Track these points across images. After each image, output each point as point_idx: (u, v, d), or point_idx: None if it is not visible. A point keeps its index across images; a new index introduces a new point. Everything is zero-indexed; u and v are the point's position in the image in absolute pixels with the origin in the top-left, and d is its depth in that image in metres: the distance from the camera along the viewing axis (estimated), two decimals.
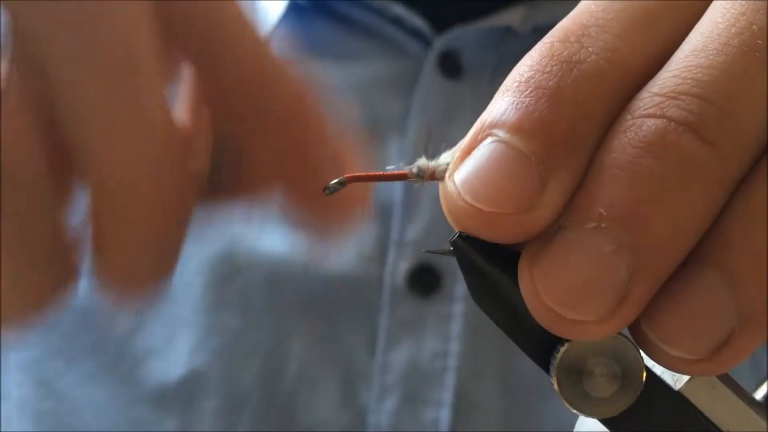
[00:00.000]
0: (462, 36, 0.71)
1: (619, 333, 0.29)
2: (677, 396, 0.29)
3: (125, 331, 0.67)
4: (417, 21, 0.71)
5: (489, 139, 0.27)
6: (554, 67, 0.27)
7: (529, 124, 0.26)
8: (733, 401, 0.29)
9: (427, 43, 0.72)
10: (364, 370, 0.66)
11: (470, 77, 0.71)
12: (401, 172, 0.31)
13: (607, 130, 0.27)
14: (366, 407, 0.65)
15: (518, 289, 0.29)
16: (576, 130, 0.26)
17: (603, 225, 0.26)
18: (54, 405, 0.67)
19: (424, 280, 0.66)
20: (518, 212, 0.26)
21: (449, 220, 0.28)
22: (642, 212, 0.26)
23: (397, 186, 0.67)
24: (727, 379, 0.29)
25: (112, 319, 0.66)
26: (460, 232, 0.30)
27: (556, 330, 0.27)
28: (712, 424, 0.29)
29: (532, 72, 0.27)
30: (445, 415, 0.65)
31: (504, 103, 0.27)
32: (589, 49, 0.27)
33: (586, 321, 0.26)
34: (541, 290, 0.27)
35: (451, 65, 0.71)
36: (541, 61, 0.27)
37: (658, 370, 0.29)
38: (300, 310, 0.67)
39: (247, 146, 0.32)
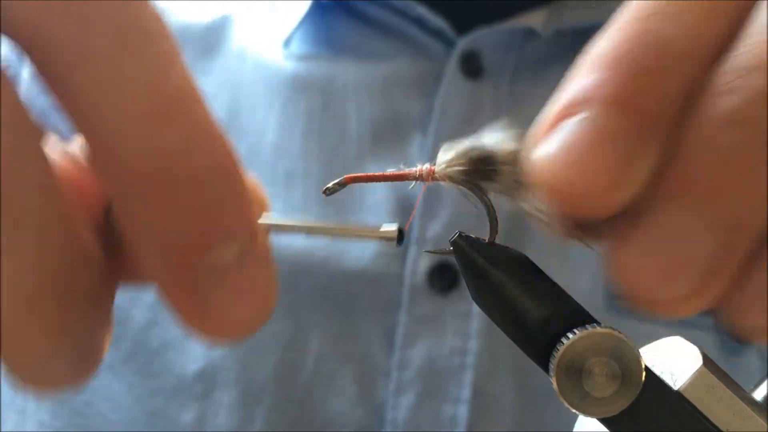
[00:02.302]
0: (483, 37, 0.71)
1: (619, 332, 0.29)
2: (677, 396, 0.29)
3: (142, 323, 0.67)
4: (439, 21, 0.71)
5: (578, 116, 0.26)
6: (640, 45, 0.26)
7: (618, 101, 0.26)
8: (733, 401, 0.29)
9: (448, 43, 0.72)
10: (381, 366, 0.66)
11: (491, 78, 0.71)
12: (402, 172, 0.31)
13: (689, 107, 0.27)
14: (382, 403, 0.66)
15: (518, 288, 0.29)
16: (662, 106, 0.26)
17: (691, 201, 0.26)
18: (71, 395, 0.68)
19: (444, 278, 0.66)
20: (604, 189, 0.26)
21: (540, 195, 0.28)
22: (727, 187, 0.25)
23: (418, 184, 0.66)
24: (727, 379, 0.29)
25: (129, 311, 0.67)
26: (460, 232, 0.31)
27: (644, 308, 0.27)
28: (712, 424, 0.28)
29: (619, 49, 0.27)
30: (462, 412, 0.65)
31: (592, 78, 0.26)
32: (672, 26, 0.27)
33: (674, 298, 0.26)
34: (630, 270, 0.27)
35: (472, 66, 0.71)
36: (626, 38, 0.27)
37: (657, 370, 0.29)
38: (318, 305, 0.67)
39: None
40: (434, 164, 0.30)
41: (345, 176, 0.30)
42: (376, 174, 0.31)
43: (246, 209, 0.25)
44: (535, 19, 0.70)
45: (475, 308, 0.66)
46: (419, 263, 0.67)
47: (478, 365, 0.66)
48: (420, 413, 0.66)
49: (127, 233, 0.24)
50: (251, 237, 0.25)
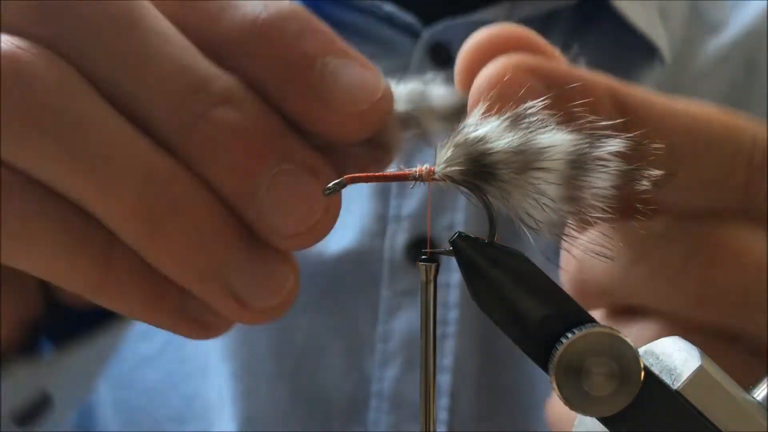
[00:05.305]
0: (450, 29, 0.72)
1: (618, 332, 0.29)
2: (676, 395, 0.29)
3: None
4: (407, 17, 0.72)
5: None
6: None
7: None
8: (732, 401, 0.29)
9: (416, 37, 0.73)
10: (367, 340, 0.68)
11: None
12: (401, 173, 0.31)
13: None
14: (370, 375, 0.67)
15: (517, 288, 0.30)
16: None
17: None
18: (108, 393, 0.71)
19: (421, 252, 0.67)
20: None
21: None
22: None
23: (393, 167, 0.69)
24: (726, 379, 0.29)
25: None
26: (460, 232, 0.31)
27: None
28: (711, 423, 0.29)
29: None
30: (446, 380, 0.67)
31: None
32: None
33: None
34: None
35: (440, 56, 0.72)
36: None
37: (656, 369, 0.29)
38: (306, 286, 0.69)
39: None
40: (434, 164, 0.30)
41: (345, 177, 0.30)
42: (376, 174, 0.31)
43: (333, 43, 0.36)
44: (497, 13, 0.72)
45: (454, 279, 0.67)
46: (397, 239, 0.69)
47: (458, 334, 0.67)
48: (404, 383, 0.67)
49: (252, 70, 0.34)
50: (342, 55, 0.35)
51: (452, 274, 0.68)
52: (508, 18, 0.72)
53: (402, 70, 0.72)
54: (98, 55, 0.32)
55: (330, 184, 0.30)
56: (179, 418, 0.70)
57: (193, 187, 0.33)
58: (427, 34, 0.72)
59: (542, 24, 0.73)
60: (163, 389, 0.71)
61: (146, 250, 0.33)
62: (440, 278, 0.69)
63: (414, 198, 0.69)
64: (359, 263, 0.69)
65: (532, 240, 0.30)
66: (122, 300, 0.35)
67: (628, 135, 0.29)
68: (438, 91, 0.39)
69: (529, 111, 0.30)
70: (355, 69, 0.35)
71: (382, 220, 0.69)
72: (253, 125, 0.33)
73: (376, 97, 0.34)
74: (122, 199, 0.32)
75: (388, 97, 0.36)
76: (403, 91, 0.39)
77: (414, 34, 0.73)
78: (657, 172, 0.29)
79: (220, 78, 0.33)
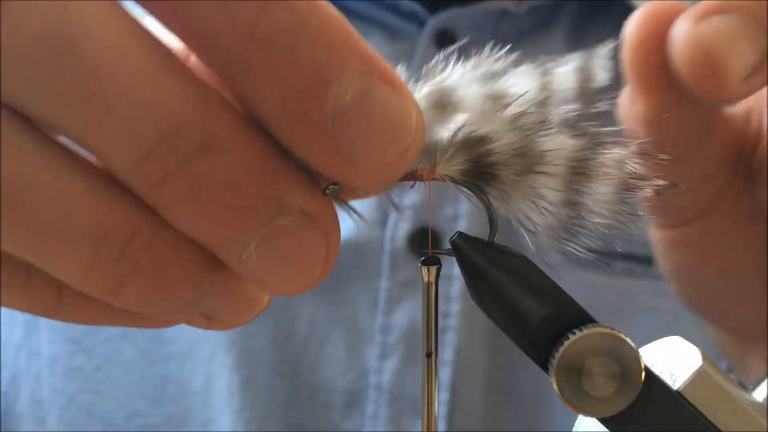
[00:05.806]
0: (456, 17, 0.72)
1: (619, 332, 0.29)
2: (676, 396, 0.29)
3: None
4: (411, 4, 0.72)
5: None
6: None
7: None
8: (732, 401, 0.29)
9: (422, 24, 0.73)
10: (368, 332, 0.68)
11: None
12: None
13: None
14: (369, 368, 0.67)
15: (517, 288, 0.29)
16: None
17: None
18: (83, 361, 0.70)
19: (424, 242, 0.67)
20: None
21: None
22: None
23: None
24: (726, 379, 0.29)
25: None
26: (460, 232, 0.31)
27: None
28: (711, 423, 0.29)
29: None
30: (446, 374, 0.67)
31: None
32: None
33: None
34: None
35: (447, 43, 0.72)
36: None
37: (657, 369, 0.29)
38: None
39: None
40: (434, 164, 0.30)
41: None
42: None
43: (353, 52, 0.26)
44: (506, 1, 0.71)
45: (456, 271, 0.67)
46: (399, 229, 0.68)
47: (459, 327, 0.67)
48: (404, 377, 0.67)
49: (254, 105, 0.26)
50: (364, 75, 0.26)
51: (454, 266, 0.68)
52: (517, 6, 0.71)
53: (409, 56, 0.72)
54: (31, 92, 0.25)
55: (330, 186, 0.30)
56: (153, 398, 0.69)
57: (160, 241, 0.28)
58: (434, 20, 0.72)
59: (550, 10, 0.73)
60: (140, 366, 0.70)
61: (105, 300, 0.29)
62: (442, 270, 0.69)
63: (416, 187, 0.69)
64: (360, 253, 0.69)
65: (530, 242, 0.30)
66: (81, 317, 0.32)
67: (634, 142, 0.29)
68: (466, 97, 0.30)
69: (532, 110, 0.30)
70: (381, 95, 0.26)
71: (383, 210, 0.69)
72: (241, 176, 0.26)
73: (407, 141, 0.26)
74: (71, 266, 0.27)
75: (420, 134, 0.27)
76: (421, 99, 0.30)
77: (420, 22, 0.73)
78: (661, 182, 0.29)
79: (199, 117, 0.26)
